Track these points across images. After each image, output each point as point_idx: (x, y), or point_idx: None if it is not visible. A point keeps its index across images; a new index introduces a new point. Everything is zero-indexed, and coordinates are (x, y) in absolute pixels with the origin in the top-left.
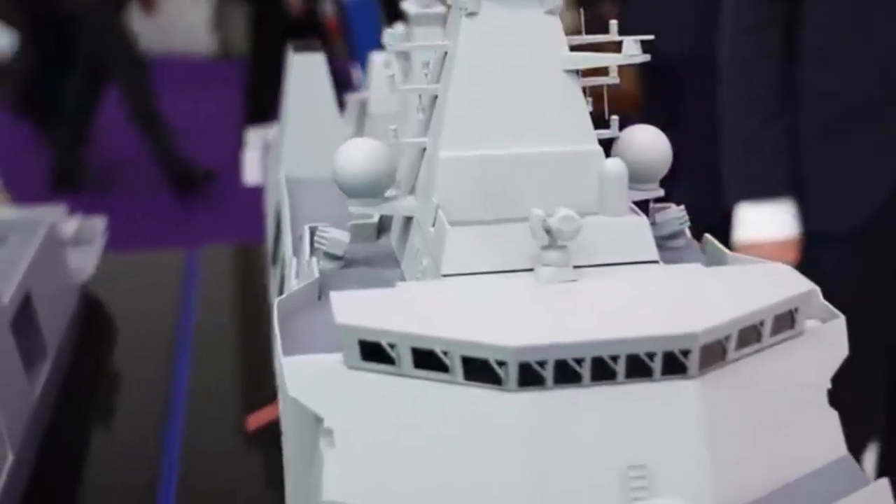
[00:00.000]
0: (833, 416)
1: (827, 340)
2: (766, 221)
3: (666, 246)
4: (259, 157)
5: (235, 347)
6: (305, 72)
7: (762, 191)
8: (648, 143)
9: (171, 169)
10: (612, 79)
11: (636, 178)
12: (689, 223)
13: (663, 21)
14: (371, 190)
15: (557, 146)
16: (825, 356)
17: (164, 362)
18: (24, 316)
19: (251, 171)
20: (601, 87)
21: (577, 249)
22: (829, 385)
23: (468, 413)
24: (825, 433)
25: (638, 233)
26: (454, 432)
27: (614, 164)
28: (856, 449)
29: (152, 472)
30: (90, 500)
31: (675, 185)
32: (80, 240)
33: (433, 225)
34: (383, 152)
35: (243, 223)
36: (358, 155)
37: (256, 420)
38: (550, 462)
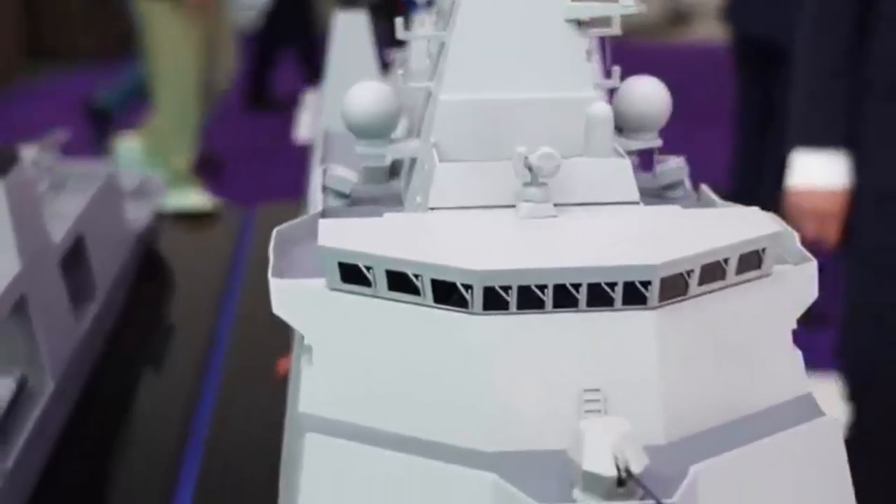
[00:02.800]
0: (796, 356)
1: (795, 282)
2: (819, 170)
3: (664, 195)
4: (312, 116)
5: None
6: (348, 29)
7: (818, 139)
8: (648, 93)
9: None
10: (615, 30)
11: (636, 127)
12: (688, 172)
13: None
14: (377, 131)
15: (554, 92)
16: (792, 297)
17: (212, 312)
18: (75, 257)
19: (304, 130)
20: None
21: (558, 188)
22: (794, 325)
23: (437, 334)
24: (787, 371)
25: (619, 174)
26: (424, 352)
27: (599, 107)
28: None
29: (189, 410)
30: (127, 437)
31: (773, 158)
32: (141, 193)
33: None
34: (389, 95)
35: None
36: (364, 96)
37: (286, 364)
38: (511, 382)
